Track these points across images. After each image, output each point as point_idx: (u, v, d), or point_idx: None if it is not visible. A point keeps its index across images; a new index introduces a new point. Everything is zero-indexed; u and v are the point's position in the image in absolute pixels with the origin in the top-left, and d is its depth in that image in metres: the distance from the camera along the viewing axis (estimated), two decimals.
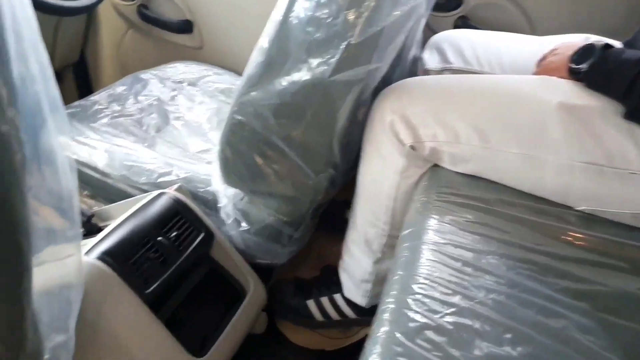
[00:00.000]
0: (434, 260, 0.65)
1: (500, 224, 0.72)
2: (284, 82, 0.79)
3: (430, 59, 1.10)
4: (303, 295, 1.09)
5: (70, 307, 0.66)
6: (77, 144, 1.03)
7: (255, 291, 0.94)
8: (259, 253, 1.00)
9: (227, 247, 0.94)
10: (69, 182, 0.56)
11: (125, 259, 0.75)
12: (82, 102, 1.18)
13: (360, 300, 1.02)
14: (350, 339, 1.12)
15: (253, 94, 0.82)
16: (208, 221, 0.91)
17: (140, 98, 1.24)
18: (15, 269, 0.53)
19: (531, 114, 0.76)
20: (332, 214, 1.20)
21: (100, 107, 1.17)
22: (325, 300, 1.07)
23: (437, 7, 1.28)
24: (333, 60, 0.76)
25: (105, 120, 1.13)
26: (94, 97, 1.21)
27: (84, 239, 0.89)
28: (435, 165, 0.85)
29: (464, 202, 0.76)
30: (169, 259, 0.80)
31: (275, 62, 0.80)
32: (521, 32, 1.13)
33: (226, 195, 0.95)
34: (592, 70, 0.74)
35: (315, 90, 0.79)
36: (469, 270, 0.64)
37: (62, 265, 0.63)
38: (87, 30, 1.50)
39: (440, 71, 1.08)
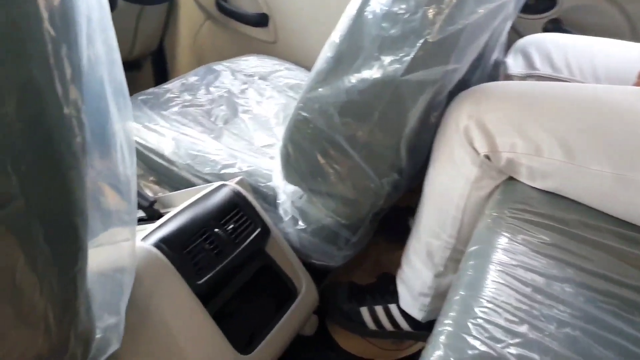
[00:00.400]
0: (501, 283, 0.59)
1: (581, 249, 0.64)
2: (353, 79, 0.76)
3: (514, 63, 1.03)
4: (357, 301, 1.05)
5: (122, 291, 0.66)
6: (146, 130, 1.05)
7: (307, 291, 0.92)
8: (314, 253, 0.97)
9: (283, 244, 0.92)
10: (128, 167, 0.56)
11: (180, 248, 0.75)
12: (155, 89, 1.21)
13: (417, 313, 0.97)
14: (403, 352, 1.07)
15: (320, 90, 0.79)
16: (266, 216, 0.89)
17: (211, 89, 1.25)
18: (71, 249, 0.54)
19: (628, 130, 0.67)
20: (393, 219, 1.15)
21: (172, 95, 1.19)
22: (379, 309, 1.03)
23: (526, 9, 1.19)
24: (407, 58, 0.72)
25: (175, 108, 1.15)
26: (167, 86, 1.24)
27: (145, 224, 0.90)
28: (511, 178, 0.78)
29: (540, 221, 0.69)
30: (223, 251, 0.80)
31: (346, 58, 0.77)
32: (620, 39, 1.02)
33: (285, 192, 0.93)
34: None
35: (385, 89, 0.75)
36: (540, 297, 0.58)
37: (117, 249, 0.63)
38: (167, 20, 1.55)
39: (524, 77, 1.00)
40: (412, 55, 0.71)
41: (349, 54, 0.76)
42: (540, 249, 0.64)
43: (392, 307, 1.02)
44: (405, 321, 1.00)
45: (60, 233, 0.51)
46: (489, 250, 0.64)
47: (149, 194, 1.09)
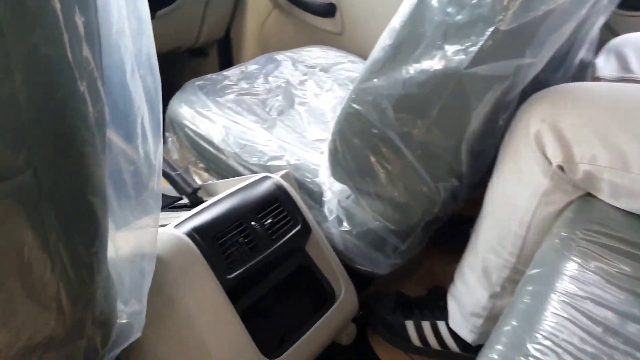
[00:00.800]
0: (563, 317, 0.50)
1: None
2: (412, 69, 0.69)
3: (605, 65, 0.90)
4: (403, 314, 0.97)
5: (144, 278, 0.63)
6: (199, 116, 1.04)
7: (347, 297, 0.85)
8: (358, 258, 0.90)
9: (324, 245, 0.86)
10: (152, 150, 0.53)
11: (213, 238, 0.71)
12: (213, 76, 1.19)
13: (467, 335, 0.88)
14: None
15: (375, 81, 0.73)
16: (308, 214, 0.84)
17: (270, 79, 1.22)
18: (87, 231, 0.51)
19: None
20: (453, 228, 1.06)
21: (229, 82, 1.17)
22: (426, 325, 0.95)
23: (624, 4, 1.05)
24: (474, 48, 0.63)
25: (231, 96, 1.12)
26: (226, 72, 1.22)
27: (186, 210, 0.88)
28: (588, 194, 0.67)
29: (620, 247, 0.58)
30: (258, 246, 0.75)
31: (405, 46, 0.69)
32: None
33: (332, 190, 0.87)
34: None
35: (446, 82, 0.67)
36: (612, 341, 0.48)
37: (141, 235, 0.60)
38: (234, 9, 1.53)
39: (616, 81, 0.88)
40: (479, 46, 0.62)
41: (409, 42, 0.69)
42: (618, 281, 0.53)
43: (441, 325, 0.93)
44: (454, 341, 0.91)
45: (75, 213, 0.48)
46: (553, 275, 0.55)
47: (198, 181, 1.07)
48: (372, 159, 0.77)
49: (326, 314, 0.81)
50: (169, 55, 1.52)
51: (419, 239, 0.90)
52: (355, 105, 0.76)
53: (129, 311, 0.68)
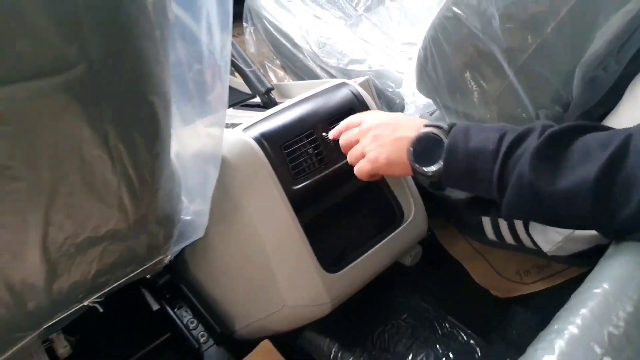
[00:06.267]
0: None
1: None
2: None
3: None
4: (479, 210, 0.92)
5: (208, 179, 0.62)
6: (278, 7, 0.95)
7: (416, 219, 0.81)
8: None
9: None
10: (218, 45, 0.47)
11: (281, 147, 0.68)
12: None
13: (543, 244, 0.81)
14: (527, 286, 0.92)
15: None
16: None
17: None
18: (148, 131, 0.49)
19: None
20: None
21: None
22: (503, 223, 0.88)
23: None
24: None
25: None
26: None
27: (258, 110, 0.84)
28: None
29: None
30: (327, 159, 0.71)
31: None
32: None
33: (415, 104, 0.79)
34: None
35: None
36: None
37: (206, 136, 0.58)
38: None
39: None
40: None
41: None
42: None
43: (518, 224, 0.86)
44: (530, 240, 0.85)
45: (134, 112, 0.45)
46: None
47: (273, 79, 1.02)
48: (466, 74, 0.68)
49: (391, 235, 0.78)
50: None
51: None
52: (455, 9, 0.65)
53: (193, 209, 0.68)
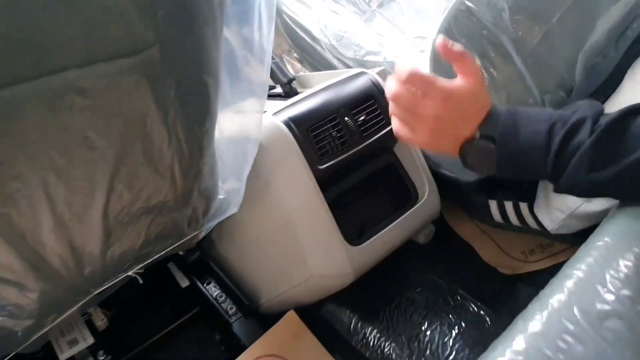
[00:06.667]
0: None
1: None
2: None
3: None
4: (487, 194, 0.96)
5: (246, 159, 0.67)
6: (297, 2, 1.01)
7: (429, 199, 0.87)
8: (446, 164, 0.90)
9: (413, 147, 0.86)
10: (265, 37, 0.53)
11: (308, 130, 0.73)
12: None
13: (548, 223, 0.86)
14: (532, 264, 0.98)
15: None
16: None
17: None
18: (200, 109, 0.54)
19: None
20: None
21: None
22: (509, 205, 0.94)
23: None
24: None
25: None
26: None
27: (280, 99, 0.90)
28: None
29: None
30: (349, 141, 0.77)
31: None
32: None
33: None
34: None
35: None
36: None
37: (247, 118, 0.64)
38: None
39: None
40: None
41: None
42: None
43: (523, 206, 0.91)
44: (535, 222, 0.90)
45: (191, 90, 0.51)
46: None
47: (291, 71, 1.08)
48: (478, 63, 0.74)
49: (407, 213, 0.84)
50: None
51: None
52: (468, 2, 0.71)
53: (227, 188, 0.73)
